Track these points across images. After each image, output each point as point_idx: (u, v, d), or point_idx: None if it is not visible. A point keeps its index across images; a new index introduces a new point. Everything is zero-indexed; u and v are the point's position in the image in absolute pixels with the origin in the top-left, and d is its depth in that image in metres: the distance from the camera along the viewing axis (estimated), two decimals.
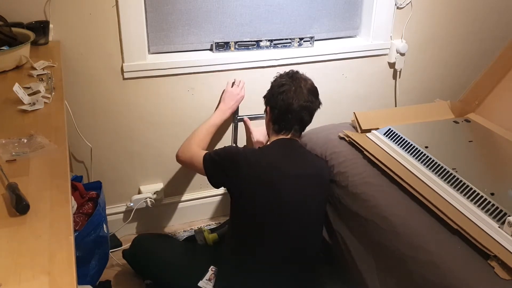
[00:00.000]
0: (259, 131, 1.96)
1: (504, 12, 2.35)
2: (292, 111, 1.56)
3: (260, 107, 1.89)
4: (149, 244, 1.77)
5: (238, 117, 2.03)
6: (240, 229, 1.55)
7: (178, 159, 1.78)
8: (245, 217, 1.52)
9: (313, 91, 1.61)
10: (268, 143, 1.66)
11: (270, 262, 1.49)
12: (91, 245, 1.49)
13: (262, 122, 1.82)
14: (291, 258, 1.50)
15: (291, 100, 1.56)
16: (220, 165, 1.55)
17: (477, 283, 1.13)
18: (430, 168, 1.50)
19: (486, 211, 1.30)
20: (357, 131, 1.79)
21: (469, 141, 1.69)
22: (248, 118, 2.00)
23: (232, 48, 1.99)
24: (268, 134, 1.71)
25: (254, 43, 2.02)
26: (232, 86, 1.95)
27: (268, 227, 1.48)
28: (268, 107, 1.65)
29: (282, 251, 1.49)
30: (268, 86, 2.06)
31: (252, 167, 1.51)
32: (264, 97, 1.69)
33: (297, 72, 1.65)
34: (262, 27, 2.02)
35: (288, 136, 1.60)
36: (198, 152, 1.66)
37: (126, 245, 2.06)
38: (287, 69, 2.07)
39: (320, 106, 1.65)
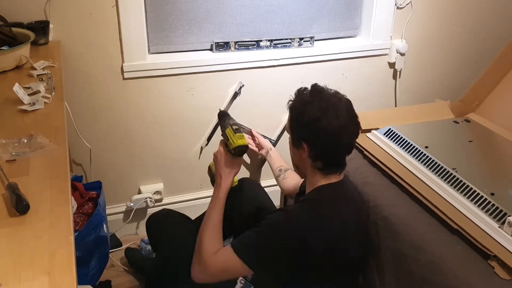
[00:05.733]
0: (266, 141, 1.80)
1: (504, 12, 2.35)
2: (341, 143, 1.26)
3: (259, 108, 1.89)
4: (175, 220, 1.59)
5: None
6: None
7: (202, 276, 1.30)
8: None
9: (351, 106, 1.30)
10: (311, 187, 1.33)
11: None
12: (91, 245, 1.49)
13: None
14: None
15: (339, 133, 1.24)
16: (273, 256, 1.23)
17: (477, 283, 1.13)
18: (430, 168, 1.50)
19: (486, 211, 1.30)
20: None
21: (469, 141, 1.69)
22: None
23: (232, 48, 1.99)
24: (303, 172, 1.39)
25: (254, 43, 2.02)
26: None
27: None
28: (302, 141, 1.28)
29: None
30: (268, 87, 2.05)
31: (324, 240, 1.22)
32: (292, 125, 1.32)
33: (321, 89, 1.32)
34: (262, 27, 2.02)
35: (341, 177, 1.32)
36: (224, 252, 1.27)
37: (125, 245, 2.06)
38: (287, 69, 2.07)
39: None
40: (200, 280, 1.30)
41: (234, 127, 1.37)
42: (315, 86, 1.32)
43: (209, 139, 2.07)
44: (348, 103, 1.29)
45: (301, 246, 1.21)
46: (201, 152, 2.10)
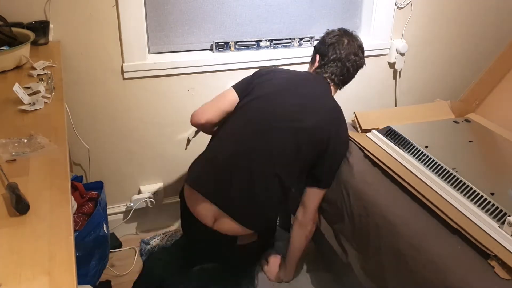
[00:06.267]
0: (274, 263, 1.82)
1: (504, 12, 2.35)
2: (341, 60, 1.62)
3: None
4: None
5: None
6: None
7: (197, 118, 1.66)
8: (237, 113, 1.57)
9: (362, 49, 1.68)
10: None
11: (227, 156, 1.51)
12: (91, 245, 1.49)
13: None
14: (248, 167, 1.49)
15: (342, 51, 1.63)
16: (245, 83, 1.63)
17: (477, 282, 1.13)
18: (430, 168, 1.50)
19: (486, 211, 1.30)
20: (357, 131, 1.79)
21: (469, 141, 1.69)
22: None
23: (232, 48, 1.99)
24: None
25: (254, 43, 2.02)
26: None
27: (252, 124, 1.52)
28: (317, 55, 1.69)
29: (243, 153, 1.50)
30: None
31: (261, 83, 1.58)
32: (315, 46, 1.74)
33: (349, 30, 1.71)
34: (262, 27, 2.02)
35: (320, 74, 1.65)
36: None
37: (125, 246, 2.06)
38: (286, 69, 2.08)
39: (364, 67, 1.70)
40: (196, 120, 1.66)
41: None
42: (345, 28, 1.71)
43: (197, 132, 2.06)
44: (361, 44, 1.69)
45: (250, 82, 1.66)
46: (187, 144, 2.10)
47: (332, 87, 1.66)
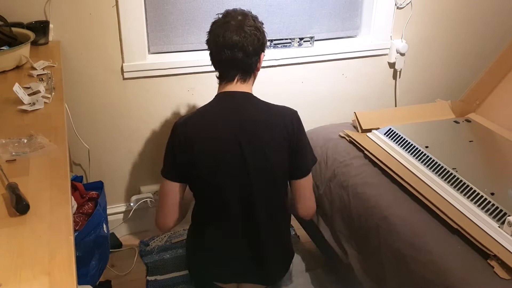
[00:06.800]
0: None
1: (504, 12, 2.35)
2: (220, 50, 1.33)
3: None
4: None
5: None
6: (200, 211, 1.46)
7: (165, 226, 1.45)
8: (205, 188, 1.39)
9: (244, 25, 1.33)
10: None
11: (234, 234, 1.42)
12: (91, 245, 1.49)
13: None
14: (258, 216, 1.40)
15: (217, 37, 1.32)
16: (169, 160, 1.38)
17: (477, 282, 1.13)
18: (430, 168, 1.50)
19: (486, 211, 1.30)
20: (358, 131, 1.79)
21: (470, 141, 1.69)
22: None
23: None
24: None
25: None
26: None
27: (226, 192, 1.36)
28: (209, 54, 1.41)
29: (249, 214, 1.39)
30: (268, 87, 2.05)
31: (193, 140, 1.32)
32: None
33: (236, 8, 1.40)
34: None
35: (236, 85, 1.37)
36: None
37: (125, 246, 2.06)
38: (287, 69, 2.07)
39: (264, 42, 1.42)
40: (160, 226, 1.46)
41: None
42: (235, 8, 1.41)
43: None
44: (244, 20, 1.35)
45: (178, 150, 1.36)
46: None
47: (244, 85, 1.39)
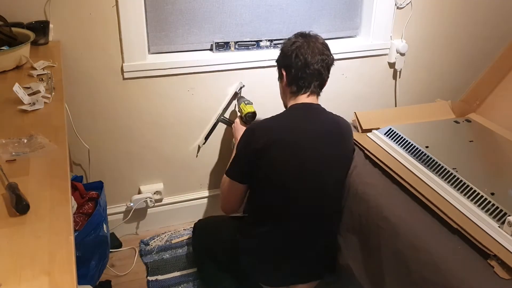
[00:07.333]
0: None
1: (504, 12, 2.35)
2: (309, 65, 1.49)
3: (259, 108, 1.89)
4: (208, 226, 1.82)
5: (223, 118, 2.05)
6: (262, 206, 1.55)
7: (226, 211, 1.66)
8: (271, 189, 1.50)
9: (326, 45, 1.55)
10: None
11: (296, 230, 1.52)
12: (91, 245, 1.49)
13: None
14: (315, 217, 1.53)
15: (307, 55, 1.49)
16: (243, 164, 1.51)
17: (477, 282, 1.13)
18: (430, 168, 1.50)
19: (486, 211, 1.30)
20: (358, 131, 1.79)
21: (470, 141, 1.69)
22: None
23: (232, 48, 1.99)
24: (285, 103, 1.62)
25: (254, 43, 2.02)
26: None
27: (294, 192, 1.48)
28: (282, 70, 1.56)
29: (309, 213, 1.51)
30: (268, 87, 2.06)
31: (270, 142, 1.45)
32: (277, 61, 1.60)
33: (305, 31, 1.58)
34: (262, 27, 2.02)
35: (308, 97, 1.53)
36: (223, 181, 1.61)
37: (125, 246, 2.06)
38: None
39: (334, 63, 1.58)
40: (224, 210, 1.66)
41: (246, 101, 1.91)
42: (302, 31, 1.58)
43: (206, 138, 2.07)
44: (324, 41, 1.56)
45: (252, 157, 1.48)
46: (198, 151, 2.10)
47: (317, 99, 1.57)
